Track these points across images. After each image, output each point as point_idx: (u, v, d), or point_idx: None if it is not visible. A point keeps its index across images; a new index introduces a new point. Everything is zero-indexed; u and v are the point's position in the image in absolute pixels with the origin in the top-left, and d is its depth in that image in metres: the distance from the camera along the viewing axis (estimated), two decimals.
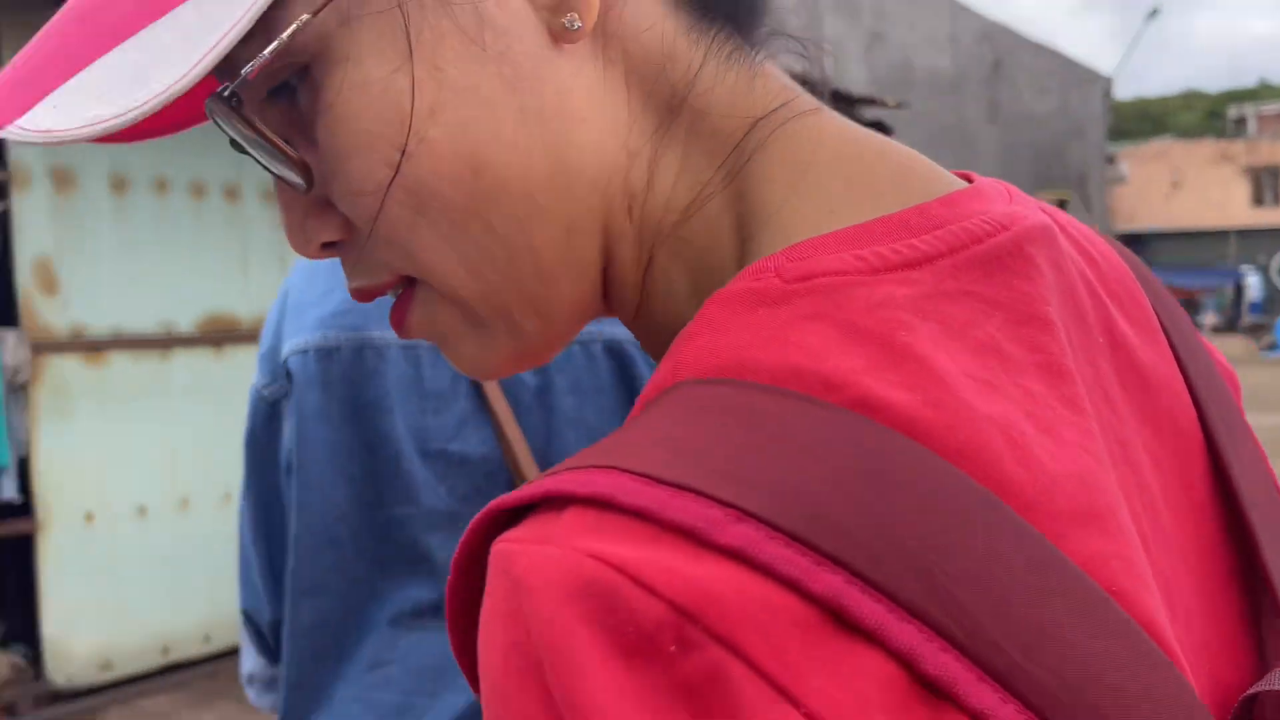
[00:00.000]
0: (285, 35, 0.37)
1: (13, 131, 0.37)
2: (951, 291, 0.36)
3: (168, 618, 4.49)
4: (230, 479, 4.69)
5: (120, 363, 4.41)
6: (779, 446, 0.31)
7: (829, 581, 0.29)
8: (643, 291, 0.44)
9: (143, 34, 0.37)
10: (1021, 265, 0.38)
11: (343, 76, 0.38)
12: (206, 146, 4.67)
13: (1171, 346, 0.46)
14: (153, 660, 4.45)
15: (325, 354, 1.03)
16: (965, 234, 0.37)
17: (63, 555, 4.21)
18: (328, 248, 0.43)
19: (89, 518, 4.29)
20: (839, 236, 0.37)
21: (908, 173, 0.41)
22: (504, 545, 0.32)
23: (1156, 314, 0.46)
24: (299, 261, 1.13)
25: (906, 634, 0.29)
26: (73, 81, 0.37)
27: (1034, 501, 0.33)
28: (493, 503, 0.34)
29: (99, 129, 0.36)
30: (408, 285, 0.44)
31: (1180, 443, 0.43)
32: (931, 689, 0.29)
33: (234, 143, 0.41)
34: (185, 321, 4.62)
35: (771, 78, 0.44)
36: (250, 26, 0.36)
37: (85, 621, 4.25)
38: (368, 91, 0.38)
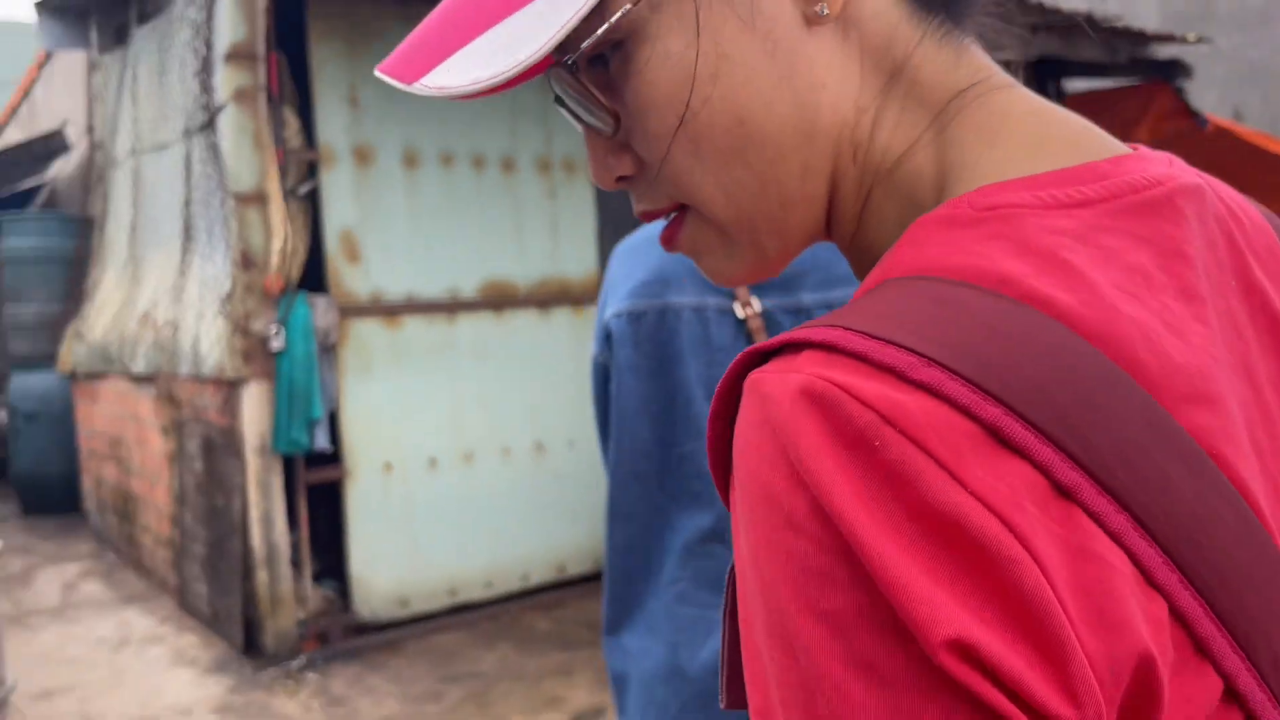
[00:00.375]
0: (614, 19, 0.49)
1: (416, 87, 0.51)
2: (1109, 227, 0.46)
3: (455, 562, 4.85)
4: (507, 434, 4.99)
5: (413, 325, 4.78)
6: (961, 320, 0.42)
7: (992, 411, 0.39)
8: (860, 221, 0.55)
9: (511, 18, 0.50)
10: (1170, 213, 0.47)
11: (650, 50, 0.50)
12: (484, 121, 4.95)
13: None
14: (442, 600, 4.83)
15: (635, 317, 1.26)
16: (1125, 186, 0.47)
17: (366, 501, 4.64)
18: (621, 180, 0.56)
19: (387, 467, 4.70)
20: (1020, 181, 0.47)
21: (1081, 139, 0.50)
22: (756, 375, 0.43)
23: None
24: (615, 252, 1.36)
25: (1046, 453, 0.39)
26: (461, 52, 0.50)
27: (1157, 380, 0.43)
28: (746, 349, 0.45)
29: (477, 87, 0.49)
30: (679, 211, 0.56)
31: None
32: (1064, 494, 0.39)
33: (557, 99, 0.54)
34: (468, 287, 4.95)
35: (974, 56, 0.54)
36: (587, 13, 0.49)
37: (385, 562, 4.68)
38: (667, 62, 0.50)
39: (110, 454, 6.27)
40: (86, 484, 6.87)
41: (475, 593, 4.93)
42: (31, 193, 7.71)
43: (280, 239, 4.35)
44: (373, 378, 4.66)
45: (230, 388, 4.48)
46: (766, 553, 0.40)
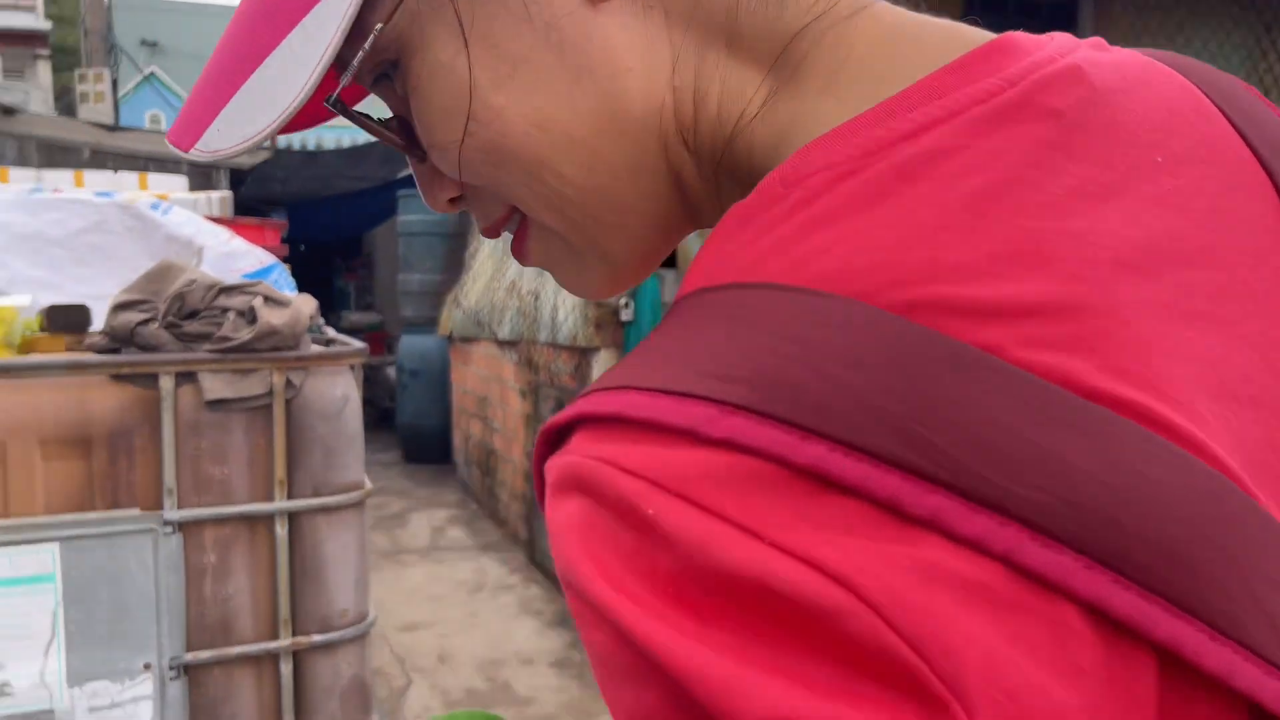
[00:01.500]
0: (366, 45, 0.44)
1: (193, 154, 0.46)
2: (949, 149, 0.37)
3: None
4: None
5: None
6: (768, 341, 0.35)
7: (813, 452, 0.32)
8: (719, 210, 0.48)
9: (268, 61, 0.44)
10: (1030, 114, 0.38)
11: (420, 63, 0.44)
12: None
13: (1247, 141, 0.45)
14: None
15: None
16: (967, 99, 0.38)
17: None
18: (452, 202, 0.50)
19: None
20: (841, 131, 0.39)
21: (939, 47, 0.42)
22: (548, 464, 0.38)
23: (1226, 115, 0.45)
24: None
25: (890, 483, 0.32)
26: (224, 112, 0.45)
27: (1008, 336, 0.34)
28: (544, 425, 0.40)
29: (250, 144, 0.45)
30: (523, 218, 0.49)
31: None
32: (919, 523, 0.32)
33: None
34: None
35: None
36: (341, 43, 0.43)
37: None
38: (438, 74, 0.44)
39: (477, 412, 6.80)
40: (456, 439, 7.51)
41: None
42: None
43: None
44: None
45: (582, 355, 4.68)
46: (587, 651, 0.37)
